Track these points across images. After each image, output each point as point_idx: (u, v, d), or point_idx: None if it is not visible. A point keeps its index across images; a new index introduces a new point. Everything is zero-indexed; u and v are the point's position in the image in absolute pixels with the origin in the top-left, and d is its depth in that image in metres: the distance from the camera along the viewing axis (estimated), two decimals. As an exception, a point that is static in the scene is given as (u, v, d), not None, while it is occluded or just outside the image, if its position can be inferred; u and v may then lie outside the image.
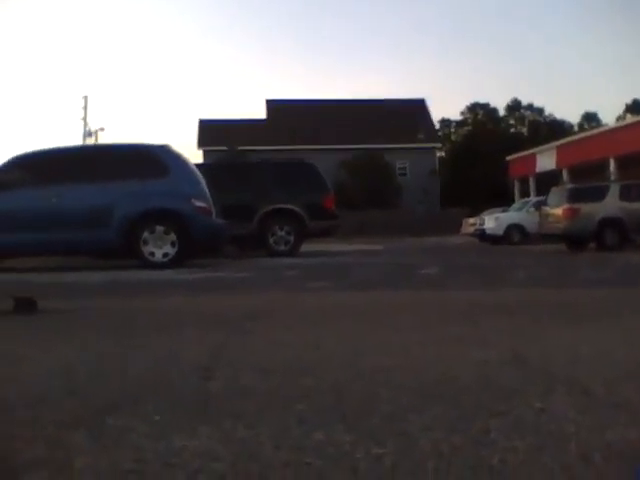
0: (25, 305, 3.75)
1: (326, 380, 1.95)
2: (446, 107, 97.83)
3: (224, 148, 35.60)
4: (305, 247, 13.15)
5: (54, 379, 2.05)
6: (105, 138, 37.87)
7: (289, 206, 12.64)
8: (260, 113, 46.56)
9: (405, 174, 43.40)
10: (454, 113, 72.06)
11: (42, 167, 8.92)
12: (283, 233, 12.60)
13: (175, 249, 8.55)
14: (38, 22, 79.14)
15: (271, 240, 12.56)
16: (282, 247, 12.48)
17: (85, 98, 39.41)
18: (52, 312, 3.75)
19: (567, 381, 1.89)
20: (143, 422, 1.55)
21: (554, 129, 46.56)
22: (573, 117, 64.41)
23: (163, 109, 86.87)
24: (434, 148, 45.59)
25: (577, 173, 25.83)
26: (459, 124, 53.54)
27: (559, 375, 1.97)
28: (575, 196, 14.10)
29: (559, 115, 61.51)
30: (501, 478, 1.19)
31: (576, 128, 49.49)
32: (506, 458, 1.28)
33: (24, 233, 8.50)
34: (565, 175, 27.39)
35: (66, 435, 1.47)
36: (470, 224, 23.57)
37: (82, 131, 38.50)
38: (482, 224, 20.95)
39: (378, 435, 1.42)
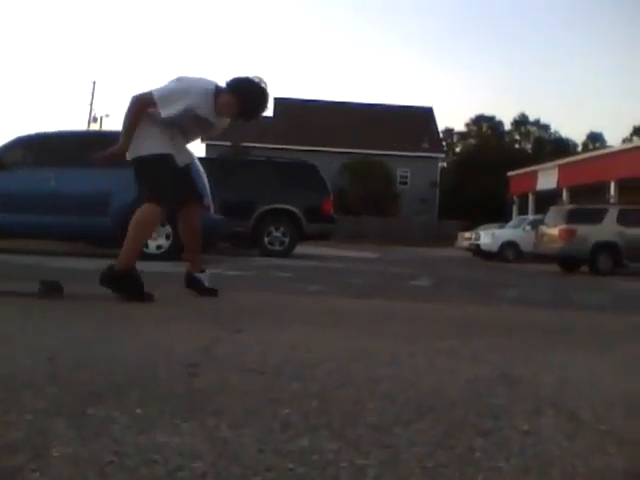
0: (51, 289, 3.75)
1: (314, 385, 1.93)
2: (450, 117, 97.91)
3: (228, 143, 35.61)
4: (299, 249, 13.12)
5: (40, 365, 2.03)
6: (110, 124, 37.90)
7: (287, 206, 12.61)
8: (267, 111, 46.54)
9: (406, 182, 43.40)
10: (458, 123, 72.15)
11: (44, 149, 8.89)
12: (279, 233, 12.58)
13: (169, 242, 8.52)
14: (50, 6, 79.05)
15: (266, 240, 12.53)
16: (276, 247, 12.46)
17: (93, 83, 39.44)
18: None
19: (555, 404, 1.88)
20: (125, 415, 1.53)
21: (559, 147, 46.70)
22: (578, 136, 64.69)
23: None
24: (437, 158, 45.56)
25: (577, 194, 25.90)
26: (463, 136, 53.63)
27: (547, 398, 1.96)
28: (573, 217, 14.11)
29: (564, 133, 61.73)
30: (484, 499, 1.17)
31: (580, 147, 49.66)
32: (490, 478, 1.27)
33: (21, 214, 8.47)
34: (565, 195, 27.46)
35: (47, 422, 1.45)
36: (465, 238, 23.62)
37: (88, 116, 38.50)
38: (477, 239, 20.99)
39: (363, 445, 1.41)
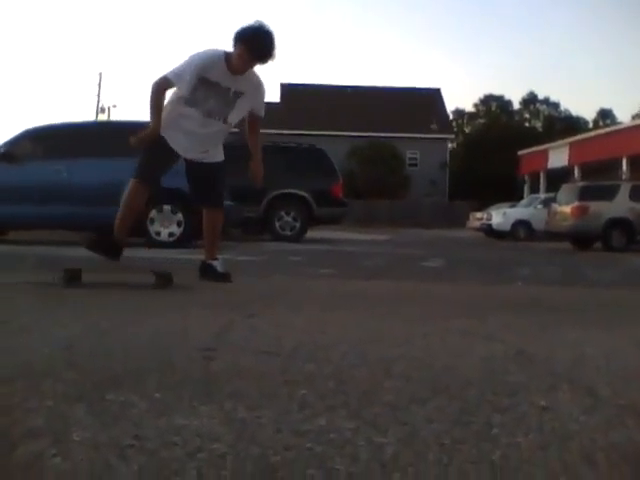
0: (72, 277, 3.82)
1: (329, 366, 1.94)
2: (459, 97, 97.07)
3: (236, 130, 35.48)
4: (310, 234, 13.12)
5: (58, 352, 2.04)
6: (117, 115, 37.96)
7: (297, 191, 12.59)
8: (274, 96, 46.43)
9: (415, 164, 43.15)
10: (467, 104, 71.55)
11: (53, 141, 8.92)
12: (289, 218, 12.57)
13: (181, 229, 8.55)
14: (54, -5, 78.89)
15: (277, 225, 12.53)
16: (287, 232, 12.45)
17: (100, 74, 39.49)
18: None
19: (572, 380, 1.88)
20: (144, 399, 1.54)
21: (569, 125, 46.18)
22: (588, 113, 63.85)
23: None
24: (446, 139, 45.24)
25: (589, 171, 25.66)
26: (471, 116, 53.18)
27: (564, 374, 1.96)
28: (585, 194, 14.00)
29: (574, 111, 60.98)
30: (503, 474, 1.17)
31: (591, 125, 49.10)
32: (508, 454, 1.27)
33: (33, 206, 8.52)
34: (577, 172, 27.23)
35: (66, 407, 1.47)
36: (477, 218, 23.50)
37: (95, 107, 38.59)
38: (489, 219, 20.89)
39: (380, 424, 1.41)
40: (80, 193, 8.51)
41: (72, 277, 3.83)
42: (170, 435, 1.30)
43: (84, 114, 55.49)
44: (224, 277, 4.38)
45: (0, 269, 5.23)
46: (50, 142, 8.93)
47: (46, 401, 1.51)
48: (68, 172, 8.53)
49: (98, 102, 38.82)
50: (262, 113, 4.49)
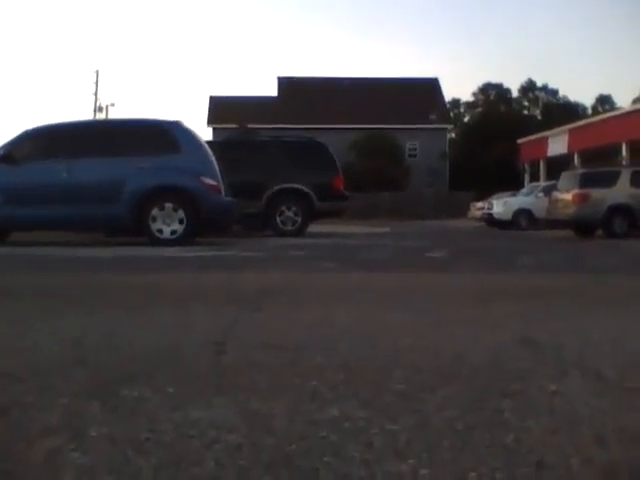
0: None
1: (338, 358, 1.96)
2: (457, 87, 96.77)
3: (234, 125, 35.49)
4: (312, 228, 13.13)
5: (69, 349, 2.06)
6: (115, 113, 37.91)
7: (298, 185, 12.59)
8: (272, 90, 46.35)
9: (415, 155, 43.11)
10: (465, 93, 71.41)
11: (54, 141, 8.92)
12: (291, 213, 12.57)
13: (183, 226, 8.55)
14: (48, -5, 78.68)
15: (278, 220, 12.52)
16: (289, 227, 12.45)
17: (97, 72, 39.41)
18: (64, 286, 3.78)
19: (580, 365, 1.89)
20: (157, 394, 1.56)
21: (568, 112, 46.03)
22: (587, 100, 63.71)
23: (174, 85, 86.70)
24: (445, 129, 45.15)
25: (589, 158, 25.58)
26: (470, 105, 53.05)
27: (571, 359, 1.97)
28: (586, 181, 13.97)
29: (573, 97, 60.71)
30: (516, 457, 1.19)
31: (590, 111, 48.96)
32: (521, 438, 1.28)
33: (35, 207, 8.52)
34: (576, 159, 27.18)
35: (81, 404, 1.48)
36: (477, 208, 23.50)
37: (93, 106, 38.54)
38: (490, 208, 20.87)
39: (392, 412, 1.42)
40: (81, 193, 8.51)
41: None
42: (186, 428, 1.32)
43: (82, 113, 55.40)
44: None
45: (2, 270, 5.25)
46: (50, 142, 8.92)
47: (60, 398, 1.53)
48: (68, 172, 8.53)
49: (96, 101, 38.79)
50: None
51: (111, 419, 1.38)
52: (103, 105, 38.47)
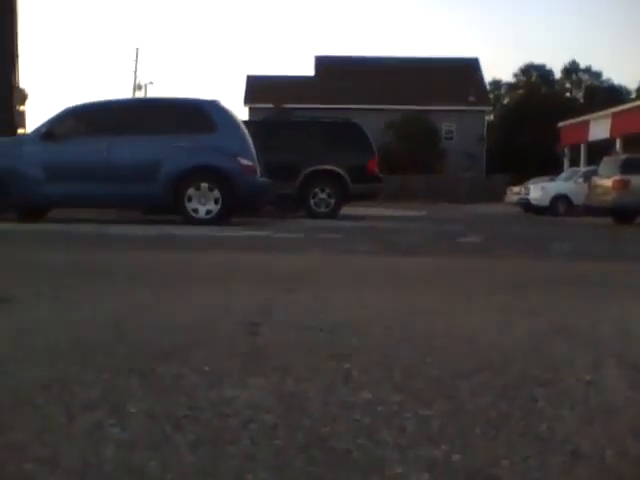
0: None
1: (372, 341, 1.97)
2: (497, 67, 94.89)
3: (271, 105, 35.47)
4: (345, 210, 13.12)
5: (109, 326, 2.11)
6: (154, 92, 38.30)
7: (332, 167, 12.55)
8: (309, 70, 46.11)
9: (451, 138, 42.51)
10: (506, 74, 69.93)
11: (94, 119, 9.06)
12: (324, 195, 12.56)
13: (218, 206, 8.62)
14: (89, -26, 79.26)
15: (312, 201, 12.53)
16: (322, 209, 12.45)
17: (136, 50, 39.81)
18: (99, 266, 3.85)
19: (616, 355, 1.87)
20: (194, 372, 1.59)
21: (611, 95, 44.80)
22: (632, 83, 61.90)
23: (212, 64, 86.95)
24: (484, 111, 44.35)
25: (632, 143, 24.93)
26: (511, 87, 51.96)
27: (608, 349, 1.95)
28: (627, 167, 13.64)
29: (617, 80, 59.10)
30: (550, 446, 1.19)
31: (634, 95, 47.59)
32: (554, 427, 1.28)
33: (74, 184, 8.68)
34: (618, 144, 26.50)
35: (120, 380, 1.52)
36: (514, 193, 23.13)
37: (132, 84, 38.98)
38: (527, 193, 20.53)
39: (425, 397, 1.43)
40: (119, 171, 8.64)
41: None
42: (222, 406, 1.34)
43: (121, 91, 56.00)
44: None
45: (45, 247, 5.38)
46: (90, 120, 9.07)
47: (100, 374, 1.57)
48: (108, 150, 8.66)
49: (135, 79, 39.23)
50: None
51: (150, 395, 1.42)
52: (142, 83, 38.90)
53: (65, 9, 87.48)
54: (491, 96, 48.90)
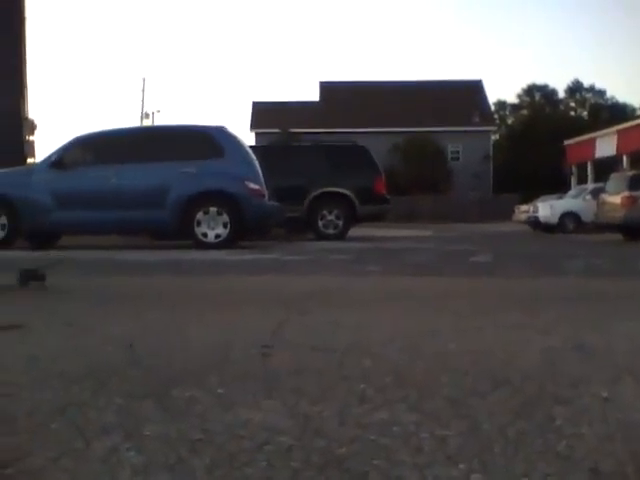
0: (30, 278, 3.74)
1: (386, 361, 1.96)
2: (502, 88, 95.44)
3: (277, 130, 35.75)
4: (353, 232, 13.13)
5: (122, 351, 2.11)
6: (161, 120, 38.75)
7: (339, 189, 12.60)
8: (314, 95, 46.55)
9: (458, 158, 42.64)
10: (509, 95, 70.28)
11: (102, 147, 9.17)
12: (332, 217, 12.59)
13: (227, 230, 8.67)
14: (100, 5, 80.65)
15: (320, 223, 12.56)
16: (331, 231, 12.48)
17: (143, 80, 40.38)
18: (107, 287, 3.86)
19: (633, 372, 1.85)
20: (208, 395, 1.59)
21: (616, 112, 44.90)
22: (636, 100, 62.12)
23: (218, 92, 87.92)
24: (489, 132, 44.53)
25: (638, 159, 24.91)
26: (515, 107, 52.19)
27: (624, 365, 1.93)
28: (635, 183, 13.61)
29: (621, 98, 59.30)
30: (570, 464, 1.17)
31: (639, 112, 47.66)
32: (573, 445, 1.26)
33: (84, 211, 8.76)
34: (625, 161, 26.48)
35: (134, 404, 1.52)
36: (523, 211, 23.10)
37: (140, 112, 39.45)
38: (535, 211, 20.51)
39: (442, 417, 1.42)
40: (128, 198, 8.71)
41: (30, 278, 3.73)
42: (237, 429, 1.34)
43: (129, 120, 56.63)
44: None
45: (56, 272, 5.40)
46: (99, 148, 9.17)
47: (115, 398, 1.57)
48: (117, 177, 8.74)
49: (142, 108, 39.72)
50: None
51: (165, 419, 1.41)
52: (149, 112, 39.38)
53: (73, 40, 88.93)
54: (496, 117, 49.11)
